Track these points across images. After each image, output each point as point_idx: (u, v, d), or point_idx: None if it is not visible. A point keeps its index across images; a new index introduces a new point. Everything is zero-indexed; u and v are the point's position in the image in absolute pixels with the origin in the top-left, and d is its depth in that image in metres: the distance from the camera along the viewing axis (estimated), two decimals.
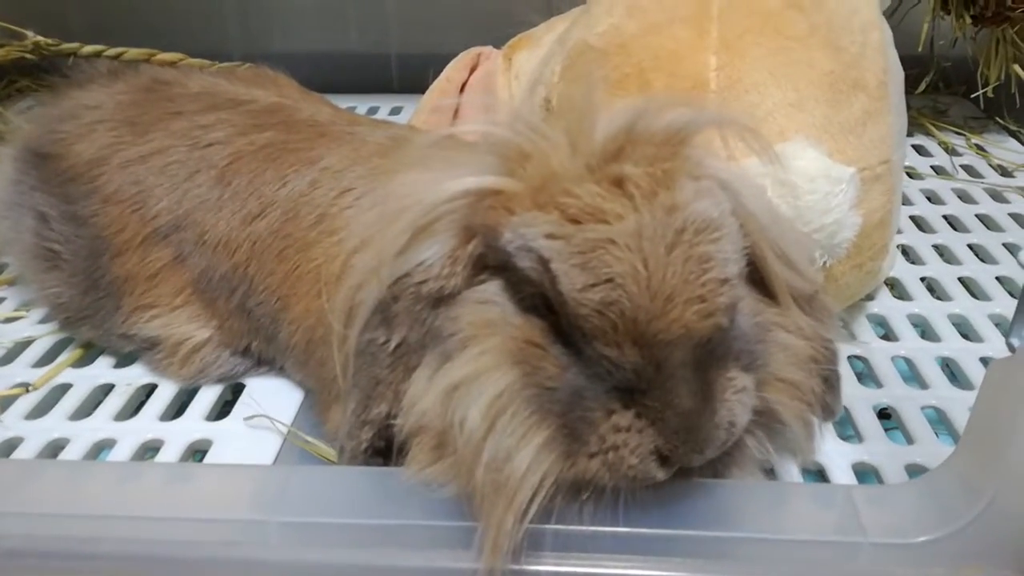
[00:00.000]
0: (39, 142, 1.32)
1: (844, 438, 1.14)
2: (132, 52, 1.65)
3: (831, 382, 0.93)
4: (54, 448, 1.18)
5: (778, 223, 0.90)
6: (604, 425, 0.76)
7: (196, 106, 1.27)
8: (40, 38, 1.62)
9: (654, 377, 0.75)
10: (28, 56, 1.62)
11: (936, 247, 1.60)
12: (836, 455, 1.10)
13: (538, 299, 0.79)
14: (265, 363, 1.26)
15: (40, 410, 1.25)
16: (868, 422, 1.16)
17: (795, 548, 0.83)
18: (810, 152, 1.10)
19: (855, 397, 1.20)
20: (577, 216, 0.75)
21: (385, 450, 0.90)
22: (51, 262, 1.29)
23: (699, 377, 0.76)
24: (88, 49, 1.63)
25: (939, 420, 1.20)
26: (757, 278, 0.87)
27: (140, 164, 1.23)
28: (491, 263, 0.83)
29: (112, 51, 1.64)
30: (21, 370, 1.32)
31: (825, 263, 1.15)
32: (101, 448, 1.18)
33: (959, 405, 1.19)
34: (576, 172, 0.77)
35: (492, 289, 0.83)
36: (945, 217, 1.71)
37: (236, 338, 1.22)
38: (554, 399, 0.77)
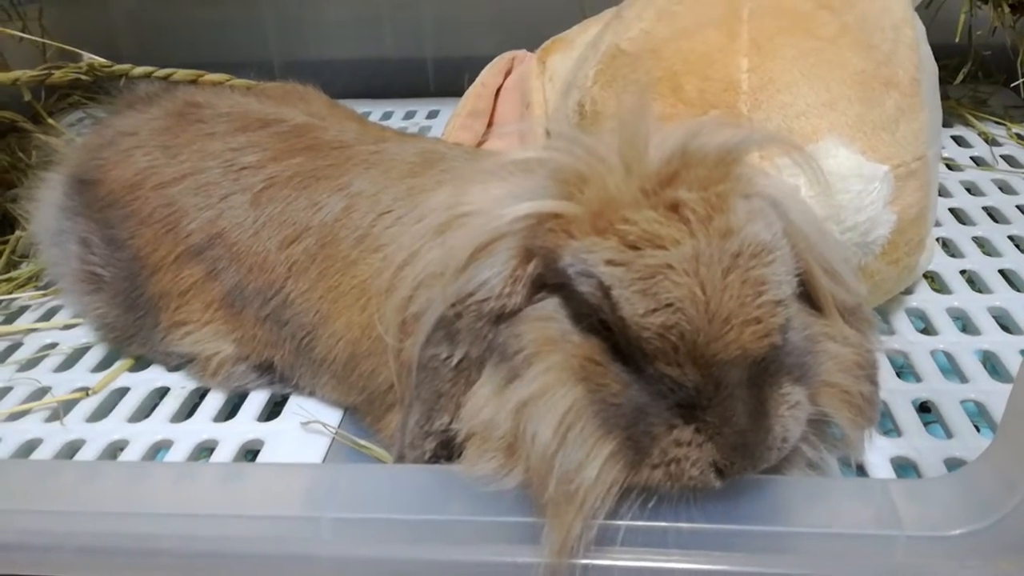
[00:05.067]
0: (82, 169, 1.38)
1: (883, 432, 1.15)
2: (180, 73, 1.68)
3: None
4: (114, 449, 1.23)
5: (825, 238, 0.93)
6: (666, 439, 0.80)
7: (227, 127, 1.31)
8: (95, 59, 1.66)
9: (713, 395, 0.79)
10: (83, 77, 1.67)
11: (976, 239, 1.58)
12: (875, 449, 1.10)
13: (595, 320, 0.82)
14: (287, 382, 1.27)
15: (100, 413, 1.30)
16: (907, 416, 1.17)
17: (833, 541, 0.85)
18: (842, 151, 1.11)
19: (894, 391, 1.20)
20: (636, 242, 0.79)
21: (446, 458, 0.94)
22: (95, 285, 1.34)
23: (755, 395, 0.80)
24: (139, 71, 1.66)
25: (979, 414, 1.19)
26: (804, 291, 0.90)
27: (173, 186, 1.27)
28: (549, 282, 0.87)
29: (161, 72, 1.67)
30: (81, 375, 1.38)
31: (860, 261, 1.16)
32: (159, 448, 1.23)
33: (999, 399, 1.18)
34: (632, 196, 0.80)
35: (551, 306, 0.86)
36: (985, 208, 1.69)
37: (260, 348, 1.24)
38: (618, 414, 0.81)
